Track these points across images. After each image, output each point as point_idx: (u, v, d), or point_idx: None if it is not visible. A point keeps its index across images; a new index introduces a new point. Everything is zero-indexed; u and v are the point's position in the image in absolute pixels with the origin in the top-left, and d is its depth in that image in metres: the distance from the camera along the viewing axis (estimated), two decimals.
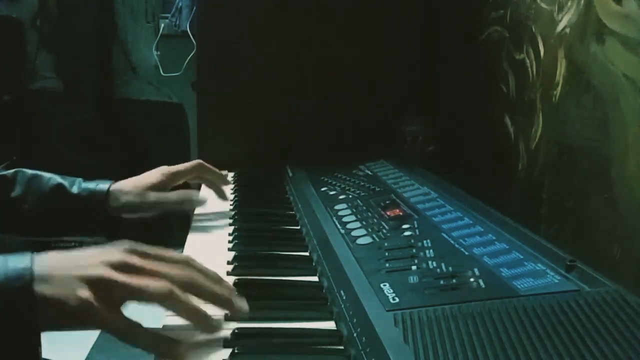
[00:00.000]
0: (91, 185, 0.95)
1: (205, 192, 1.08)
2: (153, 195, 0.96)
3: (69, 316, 0.54)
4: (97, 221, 0.95)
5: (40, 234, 0.98)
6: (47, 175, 0.95)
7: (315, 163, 1.24)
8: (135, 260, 0.58)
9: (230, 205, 1.09)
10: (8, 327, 0.53)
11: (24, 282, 0.53)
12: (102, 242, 0.82)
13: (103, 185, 0.95)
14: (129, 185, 0.96)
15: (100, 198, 0.94)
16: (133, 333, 0.56)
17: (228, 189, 1.08)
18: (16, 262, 0.55)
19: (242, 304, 0.63)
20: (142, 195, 0.95)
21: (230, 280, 0.74)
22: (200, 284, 0.60)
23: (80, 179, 0.96)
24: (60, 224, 0.97)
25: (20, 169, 0.95)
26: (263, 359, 0.59)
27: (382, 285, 0.65)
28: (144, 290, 0.56)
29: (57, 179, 0.95)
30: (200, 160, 1.05)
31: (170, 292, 0.56)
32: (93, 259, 0.57)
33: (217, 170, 1.07)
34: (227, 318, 0.63)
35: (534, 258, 0.68)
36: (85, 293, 0.54)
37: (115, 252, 0.58)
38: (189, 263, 0.62)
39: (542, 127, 0.99)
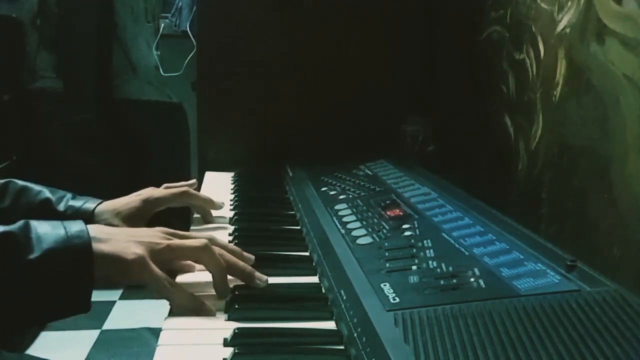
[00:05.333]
0: (78, 203, 0.93)
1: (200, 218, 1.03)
2: None
3: (122, 269, 0.64)
4: None
5: None
6: (37, 188, 0.93)
7: (315, 163, 1.24)
8: (170, 235, 0.71)
9: (230, 205, 1.09)
10: (69, 278, 0.61)
11: (84, 240, 0.63)
12: None
13: (89, 205, 0.93)
14: (111, 211, 0.93)
15: (85, 218, 0.89)
16: (172, 291, 0.66)
17: (218, 212, 1.03)
18: (72, 225, 0.65)
19: (261, 276, 0.73)
20: (119, 226, 0.91)
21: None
22: (227, 257, 0.72)
23: (69, 195, 0.94)
24: None
25: (12, 179, 0.93)
26: (263, 359, 0.59)
27: (382, 285, 0.65)
28: (185, 245, 0.69)
29: (45, 193, 0.93)
30: (186, 188, 0.99)
31: (206, 246, 0.69)
32: (140, 231, 0.70)
33: (204, 196, 1.02)
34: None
35: (534, 258, 0.68)
36: (140, 249, 0.65)
37: (154, 230, 0.71)
38: (213, 239, 0.74)
39: (542, 127, 1.00)
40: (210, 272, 0.70)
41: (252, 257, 0.77)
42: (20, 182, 0.93)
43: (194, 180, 1.06)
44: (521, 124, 1.07)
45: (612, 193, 0.79)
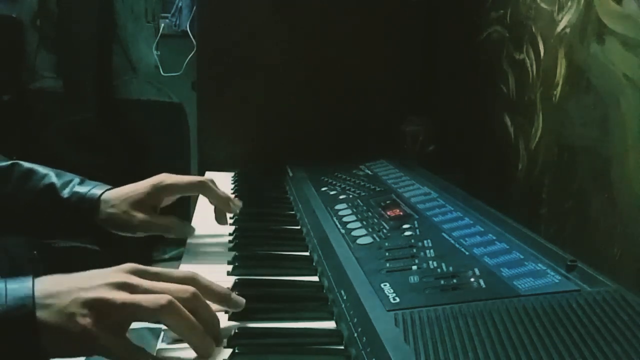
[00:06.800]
0: (84, 189, 0.87)
1: (199, 218, 1.00)
2: (140, 216, 0.86)
3: (71, 343, 0.53)
4: (85, 229, 0.87)
5: (29, 234, 0.92)
6: (43, 171, 0.88)
7: (315, 163, 1.24)
8: (136, 279, 0.57)
9: None
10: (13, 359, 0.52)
11: (26, 310, 0.52)
12: (93, 248, 0.80)
13: (96, 191, 0.87)
14: (118, 197, 0.87)
15: (90, 205, 0.86)
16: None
17: (231, 214, 0.95)
18: (16, 289, 0.53)
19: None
20: (127, 212, 0.86)
21: (231, 280, 0.74)
22: (201, 302, 0.59)
23: (77, 180, 0.89)
24: (47, 227, 0.90)
25: (17, 161, 0.89)
26: (263, 359, 0.59)
27: (382, 285, 0.65)
28: (142, 305, 0.54)
29: (51, 177, 0.88)
30: (204, 179, 0.92)
31: (169, 304, 0.55)
32: (93, 281, 0.56)
33: (222, 192, 0.93)
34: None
35: (534, 258, 0.68)
36: (85, 320, 0.53)
37: (117, 273, 0.58)
38: (193, 279, 0.61)
39: (542, 127, 1.00)
40: (176, 334, 0.58)
41: (242, 301, 0.65)
42: (26, 165, 0.89)
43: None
44: (521, 124, 1.06)
45: (612, 193, 0.79)
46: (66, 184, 0.87)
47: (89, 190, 0.87)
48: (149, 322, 0.56)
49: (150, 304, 0.54)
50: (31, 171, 0.88)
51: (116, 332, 0.54)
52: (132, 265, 0.60)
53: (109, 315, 0.54)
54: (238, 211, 0.96)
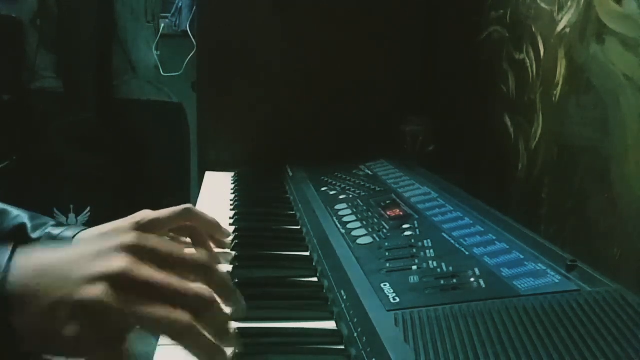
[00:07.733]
0: (56, 231, 0.79)
1: None
2: None
3: (54, 349, 0.45)
4: None
5: None
6: (16, 212, 0.81)
7: (315, 163, 1.24)
8: (144, 270, 0.46)
9: (230, 205, 1.09)
10: None
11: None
12: None
13: (69, 233, 0.78)
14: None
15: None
16: None
17: (218, 212, 0.86)
18: None
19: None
20: None
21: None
22: (217, 309, 0.49)
23: (51, 222, 0.80)
24: None
25: None
26: (263, 359, 0.59)
27: (382, 285, 0.65)
28: (155, 320, 0.44)
29: (23, 217, 0.80)
30: (187, 205, 0.81)
31: (189, 329, 0.45)
32: (87, 268, 0.45)
33: (210, 218, 0.84)
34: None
35: (534, 258, 0.68)
36: (72, 329, 0.43)
37: (118, 256, 0.46)
38: (210, 269, 0.52)
39: (542, 127, 1.00)
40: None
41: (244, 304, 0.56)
42: (0, 205, 0.81)
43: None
44: (521, 124, 1.06)
45: (612, 193, 0.79)
46: (38, 226, 0.79)
47: (61, 232, 0.78)
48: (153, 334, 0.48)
49: (166, 322, 0.45)
50: (4, 212, 0.80)
51: (113, 344, 0.45)
52: (135, 239, 0.48)
53: (106, 324, 0.44)
54: (229, 237, 0.88)
